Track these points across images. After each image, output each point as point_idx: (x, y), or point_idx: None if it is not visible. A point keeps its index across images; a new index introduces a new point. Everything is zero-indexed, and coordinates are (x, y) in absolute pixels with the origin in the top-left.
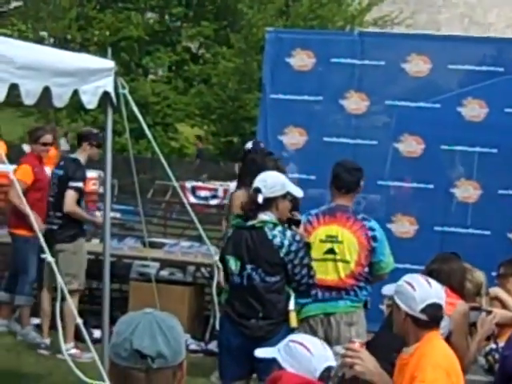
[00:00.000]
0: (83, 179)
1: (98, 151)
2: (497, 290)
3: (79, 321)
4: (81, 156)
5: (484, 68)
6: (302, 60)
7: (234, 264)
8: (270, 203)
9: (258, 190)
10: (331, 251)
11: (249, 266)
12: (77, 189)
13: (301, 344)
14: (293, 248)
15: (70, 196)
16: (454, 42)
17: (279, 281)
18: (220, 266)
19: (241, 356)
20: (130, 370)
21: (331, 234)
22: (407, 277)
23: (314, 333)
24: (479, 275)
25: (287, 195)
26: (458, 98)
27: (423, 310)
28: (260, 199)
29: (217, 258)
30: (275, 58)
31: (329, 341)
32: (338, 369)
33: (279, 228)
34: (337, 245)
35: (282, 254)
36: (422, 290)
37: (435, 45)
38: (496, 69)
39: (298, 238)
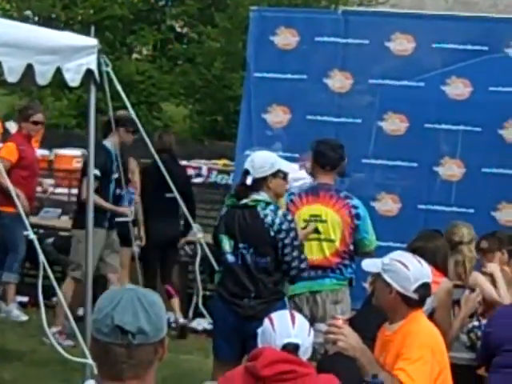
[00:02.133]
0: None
1: (133, 137)
2: (493, 268)
3: (69, 315)
4: (110, 140)
5: (468, 47)
6: (285, 39)
7: (227, 243)
8: (259, 183)
9: (246, 172)
10: (315, 230)
11: (241, 245)
12: (95, 176)
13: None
14: (284, 227)
15: (85, 184)
16: (438, 20)
17: (269, 262)
18: (203, 243)
19: (233, 336)
20: (110, 345)
21: (315, 213)
22: (397, 255)
23: (299, 311)
24: (463, 228)
25: (278, 173)
26: (442, 77)
27: (416, 290)
28: (249, 181)
29: (200, 235)
30: (259, 36)
31: (314, 319)
32: (320, 345)
33: (271, 207)
34: (321, 224)
35: (272, 233)
36: (415, 270)
37: (419, 23)
38: (480, 48)
39: (289, 217)
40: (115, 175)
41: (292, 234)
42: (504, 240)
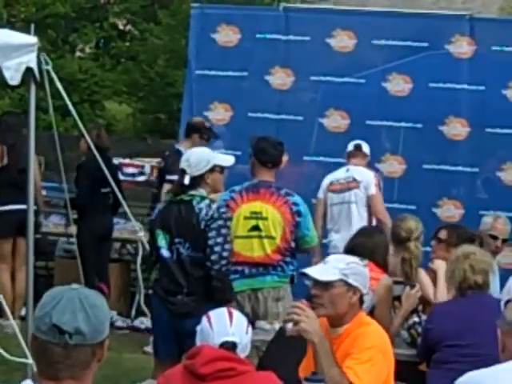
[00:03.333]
0: None
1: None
2: (439, 266)
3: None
4: (184, 146)
5: (408, 43)
6: (227, 36)
7: (163, 238)
8: (197, 181)
9: (183, 171)
10: (256, 228)
11: (177, 240)
12: (172, 182)
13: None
14: (215, 216)
15: (165, 190)
16: (378, 17)
17: (204, 257)
18: (144, 241)
19: (169, 333)
20: (48, 344)
21: (255, 210)
22: (344, 258)
23: (241, 308)
24: (411, 222)
25: (215, 168)
26: (383, 73)
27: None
28: (186, 180)
29: (141, 234)
30: (200, 33)
31: (256, 316)
32: (262, 343)
33: (206, 201)
34: (261, 221)
35: (202, 226)
36: (366, 266)
37: (360, 20)
38: (420, 44)
39: (223, 209)
40: None
41: (220, 222)
42: (462, 237)
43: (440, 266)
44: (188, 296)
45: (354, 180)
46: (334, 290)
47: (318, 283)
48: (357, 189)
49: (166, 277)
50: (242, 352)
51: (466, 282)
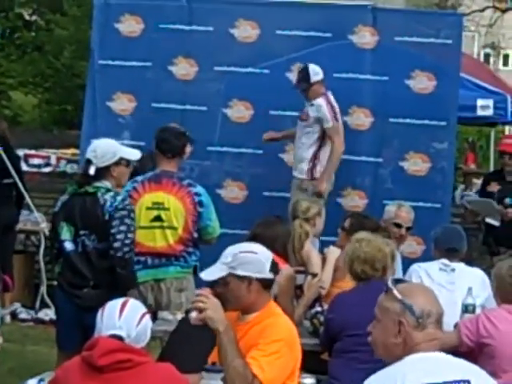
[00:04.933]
0: None
1: None
2: (330, 253)
3: None
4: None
5: (312, 33)
6: (130, 26)
7: (67, 230)
8: (103, 172)
9: (89, 161)
10: (158, 218)
11: (82, 232)
12: None
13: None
14: (119, 207)
15: None
16: (281, 7)
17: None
18: (47, 233)
19: (74, 326)
20: None
21: (157, 200)
22: (234, 249)
23: (143, 299)
24: (303, 203)
25: (121, 161)
26: (287, 64)
27: (270, 269)
28: (92, 171)
29: (44, 225)
30: (104, 23)
31: (159, 307)
32: (165, 333)
33: (111, 193)
34: (163, 212)
35: (107, 218)
36: (261, 251)
37: (263, 10)
38: (324, 34)
39: (127, 201)
40: None
41: (124, 212)
42: (365, 226)
43: (332, 251)
44: (94, 289)
45: None
46: (228, 285)
47: (215, 282)
48: None
49: (70, 270)
50: (137, 343)
51: (350, 269)
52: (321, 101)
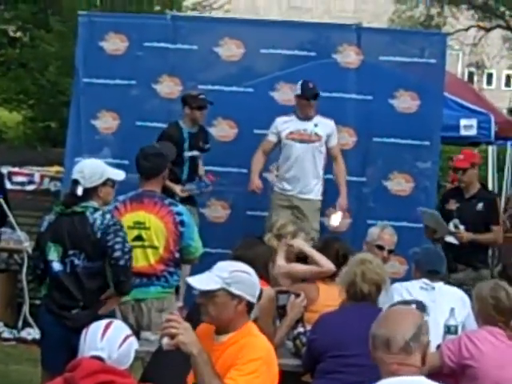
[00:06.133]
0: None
1: (202, 113)
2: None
3: None
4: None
5: (296, 52)
6: (114, 44)
7: (55, 251)
8: (90, 193)
9: (76, 182)
10: (139, 238)
11: (71, 252)
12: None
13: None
14: (112, 229)
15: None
16: (266, 26)
17: (101, 267)
18: (30, 251)
19: (62, 347)
20: None
21: (138, 220)
22: (230, 265)
23: (124, 319)
24: (282, 220)
25: (108, 181)
26: (271, 83)
27: (258, 295)
28: (79, 191)
29: (27, 244)
30: (88, 41)
31: (140, 327)
32: (147, 354)
33: (100, 212)
34: (144, 231)
35: (99, 235)
36: (253, 274)
37: (248, 29)
38: (308, 53)
39: (116, 219)
40: None
41: (117, 227)
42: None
43: (299, 243)
44: (84, 309)
45: None
46: (217, 299)
47: (201, 292)
48: None
49: (59, 291)
50: (120, 364)
51: (352, 287)
52: (325, 119)
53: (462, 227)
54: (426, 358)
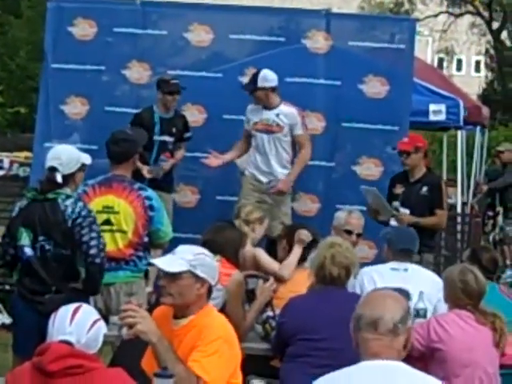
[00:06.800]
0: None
1: (173, 98)
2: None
3: None
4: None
5: (265, 38)
6: (83, 29)
7: (26, 236)
8: (67, 179)
9: (54, 169)
10: (108, 222)
11: (41, 238)
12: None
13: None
14: (82, 214)
15: None
16: (235, 12)
17: (71, 254)
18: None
19: (34, 332)
20: None
21: (107, 204)
22: (193, 248)
23: (93, 303)
24: (249, 206)
25: (82, 166)
26: (240, 68)
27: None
28: (59, 178)
29: None
30: (57, 27)
31: (109, 311)
32: (116, 338)
33: (71, 199)
34: (113, 215)
35: (70, 223)
36: (213, 259)
37: (217, 15)
38: (277, 39)
39: (88, 207)
40: None
41: (91, 219)
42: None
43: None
44: (56, 293)
45: None
46: (181, 281)
47: (166, 274)
48: None
49: (29, 276)
50: (88, 349)
51: (321, 270)
52: (288, 108)
53: (403, 210)
54: (409, 343)
